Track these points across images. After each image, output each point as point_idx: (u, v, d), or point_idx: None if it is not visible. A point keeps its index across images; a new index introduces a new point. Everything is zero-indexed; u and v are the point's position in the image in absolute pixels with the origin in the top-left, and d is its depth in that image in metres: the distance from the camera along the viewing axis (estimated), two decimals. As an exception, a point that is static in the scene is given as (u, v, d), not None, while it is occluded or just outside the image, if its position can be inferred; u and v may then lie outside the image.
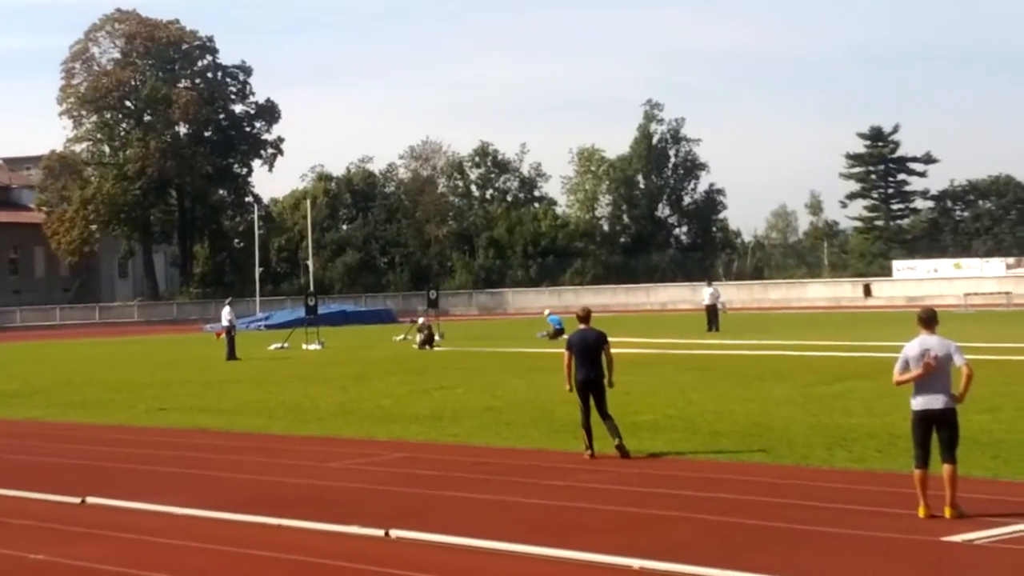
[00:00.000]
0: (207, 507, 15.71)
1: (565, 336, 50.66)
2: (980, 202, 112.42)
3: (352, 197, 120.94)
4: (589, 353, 19.08)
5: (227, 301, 51.55)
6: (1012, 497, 14.71)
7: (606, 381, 19.12)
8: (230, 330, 47.31)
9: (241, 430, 24.28)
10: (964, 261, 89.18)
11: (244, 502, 16.03)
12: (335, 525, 14.33)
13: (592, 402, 19.05)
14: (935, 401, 13.71)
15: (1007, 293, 74.61)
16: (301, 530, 14.32)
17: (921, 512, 13.67)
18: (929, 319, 13.98)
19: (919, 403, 13.79)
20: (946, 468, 13.63)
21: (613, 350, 19.39)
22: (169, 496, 16.59)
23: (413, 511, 15.20)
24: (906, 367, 13.83)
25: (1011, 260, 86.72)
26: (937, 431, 13.76)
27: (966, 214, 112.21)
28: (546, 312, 58.09)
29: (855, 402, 24.54)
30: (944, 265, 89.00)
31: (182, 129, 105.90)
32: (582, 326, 19.42)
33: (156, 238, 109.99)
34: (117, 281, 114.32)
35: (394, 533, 13.73)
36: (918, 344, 13.79)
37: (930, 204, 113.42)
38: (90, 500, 16.54)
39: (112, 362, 47.64)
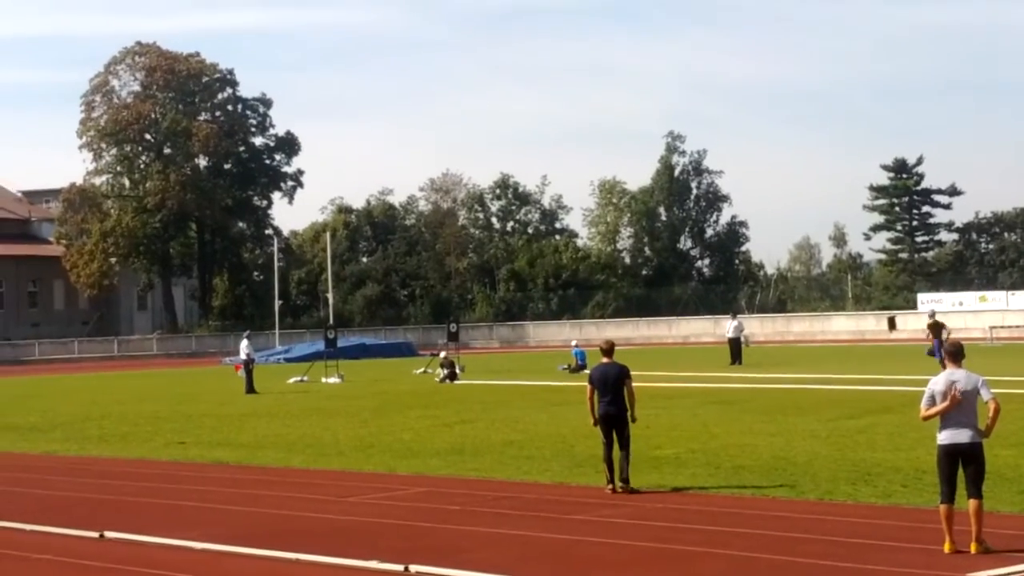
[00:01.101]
0: (226, 541, 15.61)
1: (587, 371, 50.93)
2: (1005, 234, 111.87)
3: (372, 230, 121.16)
4: (610, 387, 18.91)
5: (245, 334, 51.47)
6: (1040, 533, 14.53)
7: (629, 415, 18.94)
8: (248, 363, 47.18)
9: (260, 464, 24.16)
10: (989, 294, 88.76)
11: (263, 536, 15.90)
12: (354, 560, 14.21)
13: (615, 436, 18.90)
14: (961, 435, 13.56)
15: (1033, 326, 74.29)
16: (320, 565, 14.21)
17: (947, 548, 13.51)
18: (956, 353, 13.85)
19: (945, 437, 13.64)
20: (972, 503, 13.48)
21: (635, 384, 19.24)
22: (188, 530, 16.49)
23: (433, 546, 15.06)
24: (932, 402, 13.69)
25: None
26: (963, 466, 13.61)
27: (991, 246, 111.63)
28: (573, 343, 58.01)
29: (880, 436, 24.35)
30: (969, 298, 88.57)
31: (202, 162, 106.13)
32: (605, 360, 19.26)
33: (175, 271, 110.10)
34: (136, 314, 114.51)
35: (414, 568, 13.61)
36: (944, 378, 13.65)
37: (955, 236, 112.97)
38: (108, 534, 16.42)
39: (131, 395, 47.59)
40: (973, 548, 13.43)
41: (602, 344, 19.68)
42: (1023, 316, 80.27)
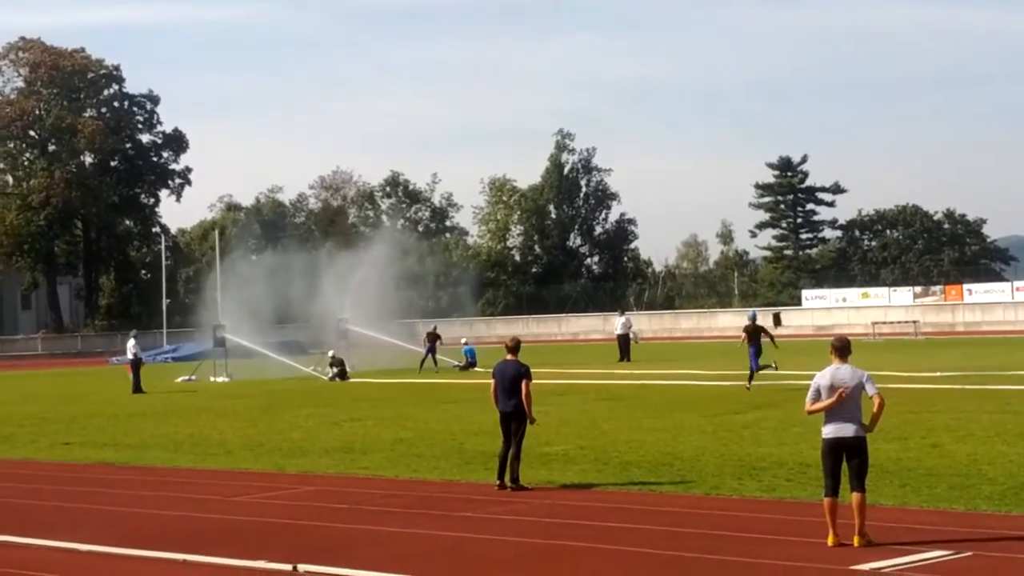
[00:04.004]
0: (113, 543, 15.44)
1: (476, 368, 51.07)
2: (887, 231, 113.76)
3: (261, 227, 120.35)
4: (507, 385, 18.93)
5: (132, 333, 50.97)
6: (920, 525, 14.78)
7: (528, 415, 18.85)
8: (136, 363, 46.73)
9: (147, 464, 23.93)
10: (872, 290, 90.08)
11: (150, 538, 15.76)
12: (242, 560, 14.14)
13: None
14: (846, 429, 13.74)
15: (914, 322, 75.45)
16: (208, 565, 14.12)
17: (830, 541, 13.68)
18: (843, 348, 14.01)
19: (829, 431, 13.82)
20: (855, 496, 13.67)
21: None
22: (73, 532, 16.31)
23: (322, 545, 15.02)
24: (818, 396, 13.87)
25: (918, 289, 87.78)
26: (847, 459, 13.80)
27: (874, 243, 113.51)
28: (463, 342, 58.06)
29: (765, 431, 24.62)
30: (852, 294, 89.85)
31: (88, 159, 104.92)
32: (508, 357, 19.25)
33: (60, 269, 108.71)
34: (20, 313, 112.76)
35: (302, 568, 13.56)
36: (830, 373, 13.83)
37: (838, 234, 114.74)
38: (-9, 537, 16.20)
39: (15, 396, 46.92)
40: (856, 541, 13.62)
41: (507, 341, 19.68)
42: (905, 312, 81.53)
